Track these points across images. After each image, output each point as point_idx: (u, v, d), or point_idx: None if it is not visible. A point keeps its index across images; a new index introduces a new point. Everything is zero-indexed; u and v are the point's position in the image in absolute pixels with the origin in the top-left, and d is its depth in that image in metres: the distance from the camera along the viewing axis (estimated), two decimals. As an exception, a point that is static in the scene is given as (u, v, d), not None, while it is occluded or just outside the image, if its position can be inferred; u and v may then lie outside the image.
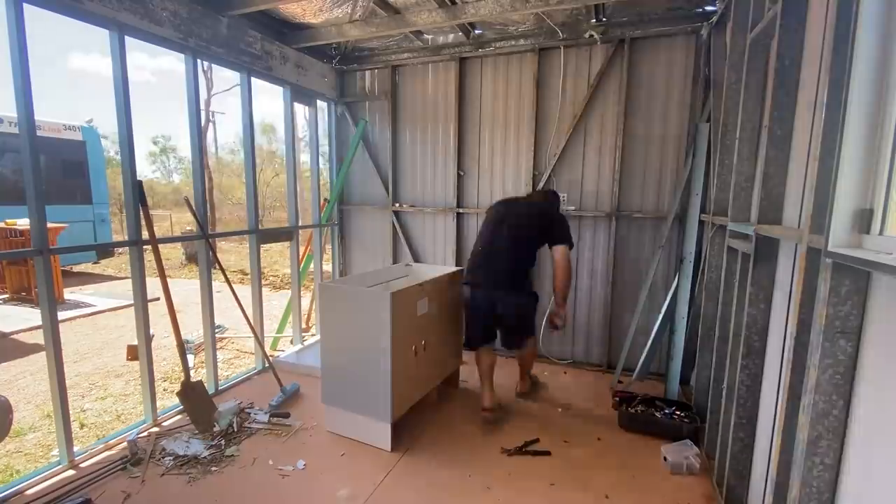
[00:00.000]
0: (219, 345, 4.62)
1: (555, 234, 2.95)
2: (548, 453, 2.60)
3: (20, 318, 5.52)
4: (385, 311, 2.44)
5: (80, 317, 5.79)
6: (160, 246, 2.80)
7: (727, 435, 2.11)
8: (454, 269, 3.32)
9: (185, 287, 7.70)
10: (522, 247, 2.99)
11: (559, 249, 2.92)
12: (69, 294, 6.89)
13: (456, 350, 3.37)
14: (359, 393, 2.62)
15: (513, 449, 2.61)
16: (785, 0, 1.73)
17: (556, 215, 3.13)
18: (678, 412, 2.87)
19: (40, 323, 2.29)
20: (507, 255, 2.95)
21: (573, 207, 3.78)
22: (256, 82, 3.53)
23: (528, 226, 3.00)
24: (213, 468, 2.40)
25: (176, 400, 2.86)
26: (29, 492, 2.17)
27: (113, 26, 2.47)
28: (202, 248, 3.13)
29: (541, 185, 3.82)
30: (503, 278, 2.94)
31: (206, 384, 2.98)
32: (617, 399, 3.04)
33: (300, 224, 4.11)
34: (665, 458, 2.48)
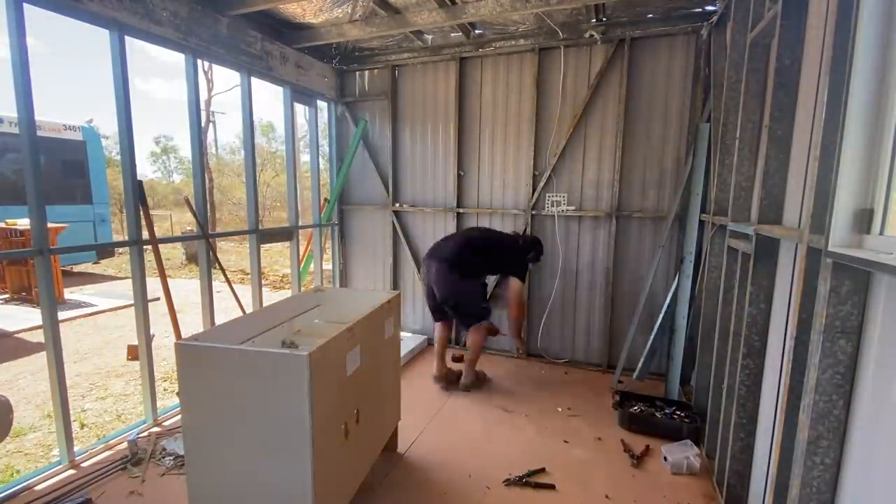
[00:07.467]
0: (219, 345, 4.61)
1: (510, 268, 3.41)
2: (552, 487, 2.31)
3: (21, 318, 5.52)
4: (300, 382, 1.50)
5: (80, 317, 5.79)
6: (160, 246, 2.80)
7: (727, 435, 2.11)
8: (389, 295, 2.37)
9: (186, 287, 7.70)
10: (478, 254, 3.36)
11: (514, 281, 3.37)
12: (69, 294, 6.89)
13: (395, 402, 2.50)
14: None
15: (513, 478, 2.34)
16: (785, 0, 1.73)
17: (518, 252, 3.42)
18: (678, 412, 2.87)
19: (40, 323, 2.29)
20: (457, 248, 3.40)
21: (573, 207, 3.78)
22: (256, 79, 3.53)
23: (485, 247, 3.41)
24: (214, 468, 2.40)
25: (176, 400, 2.86)
26: (30, 491, 2.17)
27: (113, 26, 2.47)
28: (202, 248, 3.13)
29: (541, 184, 3.82)
30: (450, 260, 3.33)
31: (206, 384, 2.98)
32: (617, 399, 3.04)
33: (300, 224, 4.11)
34: (665, 458, 2.48)
